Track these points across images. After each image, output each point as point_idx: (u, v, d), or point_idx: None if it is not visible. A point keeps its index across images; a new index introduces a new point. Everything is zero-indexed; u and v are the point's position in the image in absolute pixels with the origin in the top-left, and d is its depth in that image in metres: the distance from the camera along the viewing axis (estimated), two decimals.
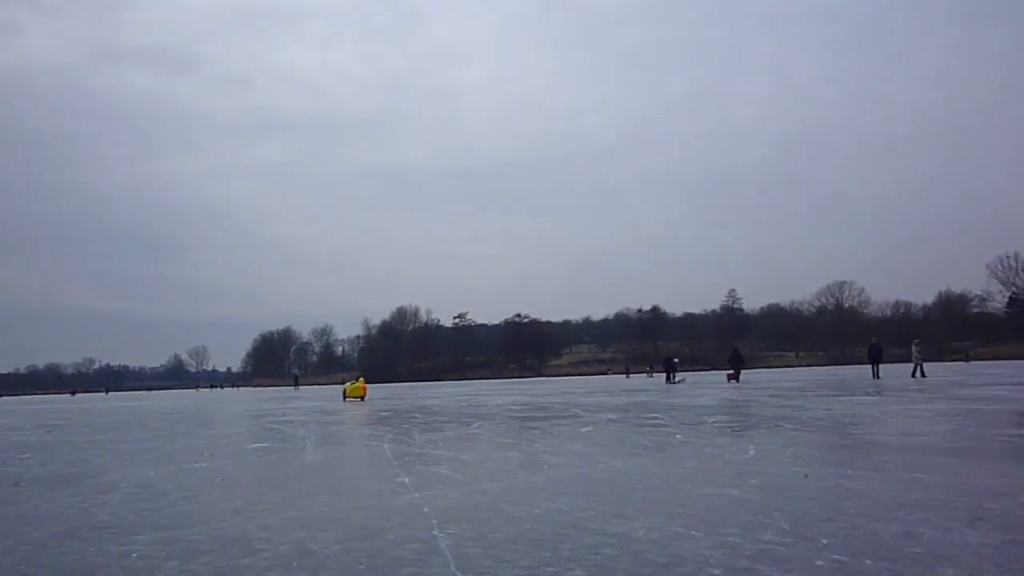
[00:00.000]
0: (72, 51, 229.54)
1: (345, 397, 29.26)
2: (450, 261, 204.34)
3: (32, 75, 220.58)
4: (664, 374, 40.63)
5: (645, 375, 74.45)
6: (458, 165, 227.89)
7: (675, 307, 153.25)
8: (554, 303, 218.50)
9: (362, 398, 28.86)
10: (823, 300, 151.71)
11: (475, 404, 21.62)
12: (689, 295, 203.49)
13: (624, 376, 74.43)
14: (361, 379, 31.16)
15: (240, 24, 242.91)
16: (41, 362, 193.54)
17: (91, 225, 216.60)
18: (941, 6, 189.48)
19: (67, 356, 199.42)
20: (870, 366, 34.12)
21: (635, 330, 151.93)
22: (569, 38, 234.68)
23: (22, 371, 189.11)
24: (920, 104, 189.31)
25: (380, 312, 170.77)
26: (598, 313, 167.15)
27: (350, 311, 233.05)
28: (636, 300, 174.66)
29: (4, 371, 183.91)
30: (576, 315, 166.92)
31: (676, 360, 41.69)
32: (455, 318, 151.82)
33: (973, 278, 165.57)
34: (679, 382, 37.73)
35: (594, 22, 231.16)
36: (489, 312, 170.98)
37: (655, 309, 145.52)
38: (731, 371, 35.90)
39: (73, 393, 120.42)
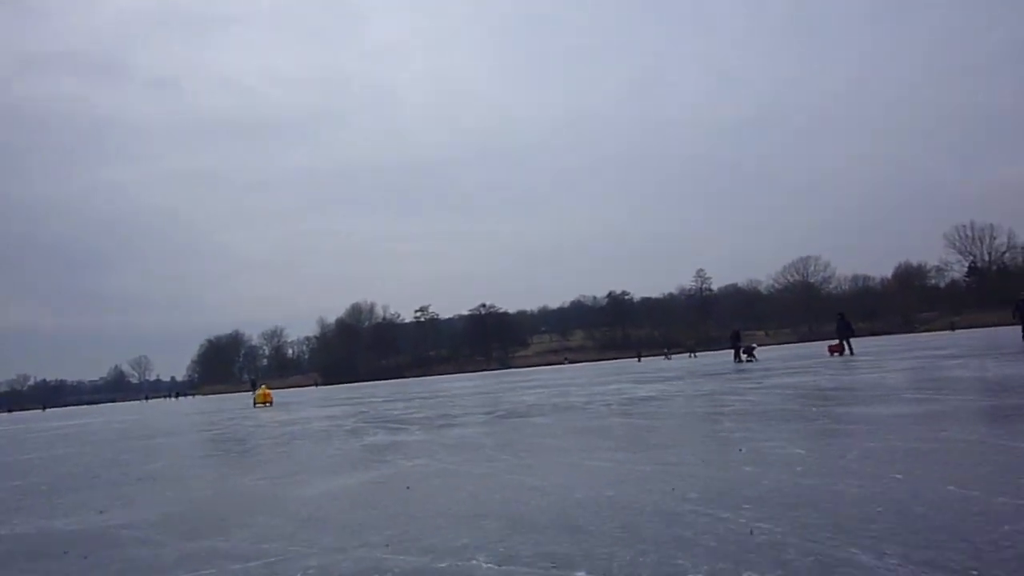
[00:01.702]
0: None
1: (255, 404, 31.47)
2: (395, 258, 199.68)
3: None
4: (732, 352, 34.68)
5: (662, 357, 69.95)
6: (398, 163, 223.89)
7: (629, 292, 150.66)
8: (504, 296, 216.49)
9: (268, 403, 30.99)
10: (789, 277, 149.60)
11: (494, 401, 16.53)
12: (640, 281, 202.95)
13: (636, 360, 69.76)
14: (263, 387, 33.89)
15: (167, 27, 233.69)
16: None
17: (20, 239, 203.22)
18: None
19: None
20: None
21: (600, 316, 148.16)
22: (504, 33, 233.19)
23: None
24: (858, 82, 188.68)
25: (329, 312, 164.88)
26: (552, 303, 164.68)
27: (298, 313, 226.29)
28: (589, 288, 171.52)
29: None
30: (530, 305, 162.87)
31: (737, 331, 35.72)
32: (416, 311, 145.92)
33: (928, 251, 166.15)
34: (749, 360, 32.78)
35: (529, 17, 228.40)
36: (441, 306, 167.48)
37: (623, 294, 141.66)
38: (835, 342, 30.81)
39: (10, 411, 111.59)
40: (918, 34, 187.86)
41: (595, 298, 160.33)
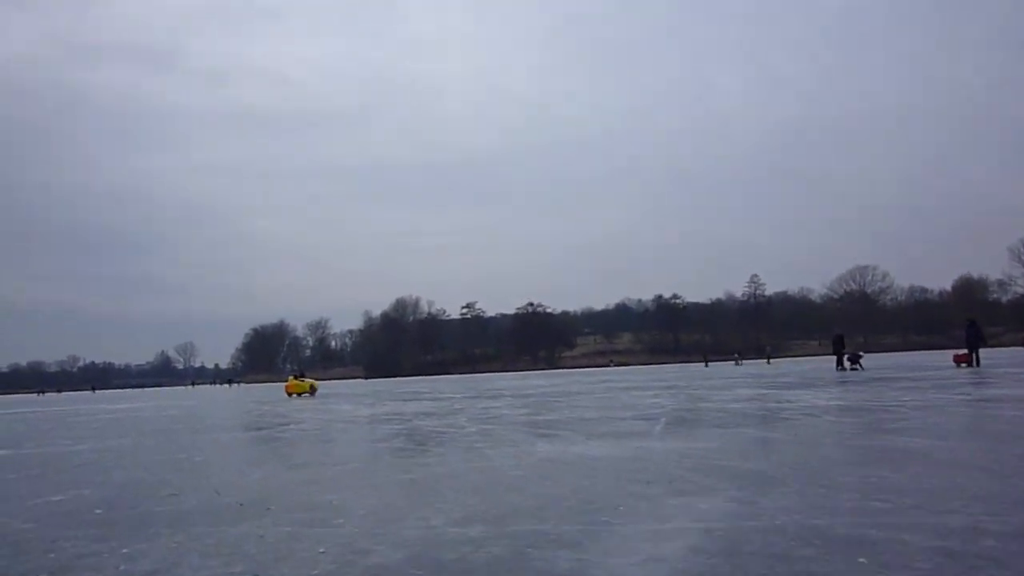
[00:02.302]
0: (51, 48, 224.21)
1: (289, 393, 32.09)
2: (435, 254, 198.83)
3: (12, 71, 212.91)
4: (835, 358, 31.22)
5: (733, 363, 66.34)
6: (437, 158, 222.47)
7: (680, 296, 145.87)
8: (545, 296, 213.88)
9: (301, 394, 31.72)
10: (846, 286, 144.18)
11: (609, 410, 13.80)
12: (684, 285, 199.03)
13: (703, 365, 66.46)
14: (291, 377, 35.15)
15: (217, 19, 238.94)
16: (24, 360, 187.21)
17: (74, 223, 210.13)
18: None
19: (51, 354, 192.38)
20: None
21: (648, 320, 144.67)
22: (548, 30, 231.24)
23: (4, 370, 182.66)
24: (923, 89, 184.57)
25: (373, 306, 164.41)
26: (595, 304, 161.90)
27: (341, 305, 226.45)
28: (633, 291, 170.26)
29: None
30: (572, 306, 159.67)
31: (841, 336, 32.12)
32: (463, 308, 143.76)
33: (990, 264, 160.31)
34: (855, 368, 29.57)
35: (574, 14, 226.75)
36: (483, 304, 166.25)
37: (674, 297, 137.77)
38: (963, 352, 27.70)
39: (40, 392, 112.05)
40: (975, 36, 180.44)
41: (640, 301, 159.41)
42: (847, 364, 30.42)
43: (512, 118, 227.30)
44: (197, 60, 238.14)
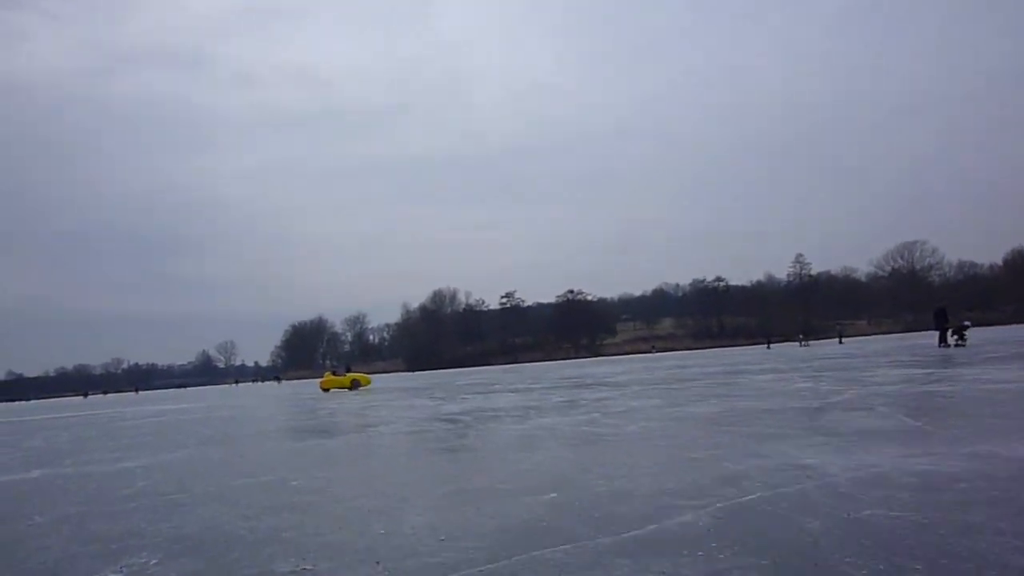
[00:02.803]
0: (84, 57, 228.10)
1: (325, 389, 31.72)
2: (469, 247, 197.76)
3: (48, 82, 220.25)
4: (938, 333, 28.07)
5: (799, 344, 62.84)
6: (468, 152, 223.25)
7: (723, 279, 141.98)
8: (580, 283, 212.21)
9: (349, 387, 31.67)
10: (893, 263, 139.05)
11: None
12: (722, 269, 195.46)
13: (766, 347, 63.32)
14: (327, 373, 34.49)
15: (246, 22, 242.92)
16: (70, 364, 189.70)
17: (114, 227, 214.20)
18: None
19: (95, 357, 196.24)
20: None
21: (690, 304, 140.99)
22: (574, 21, 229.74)
23: (51, 373, 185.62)
24: (960, 59, 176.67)
25: (408, 299, 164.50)
26: (631, 290, 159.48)
27: (378, 300, 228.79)
28: (671, 276, 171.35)
29: (34, 374, 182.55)
30: (608, 293, 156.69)
31: (944, 308, 29.00)
32: (502, 298, 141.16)
33: None
34: (960, 344, 26.69)
35: (598, 4, 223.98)
36: (521, 295, 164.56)
37: (717, 280, 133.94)
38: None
39: (85, 395, 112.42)
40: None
41: (678, 286, 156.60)
42: (951, 339, 27.59)
43: (542, 109, 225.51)
44: (230, 63, 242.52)
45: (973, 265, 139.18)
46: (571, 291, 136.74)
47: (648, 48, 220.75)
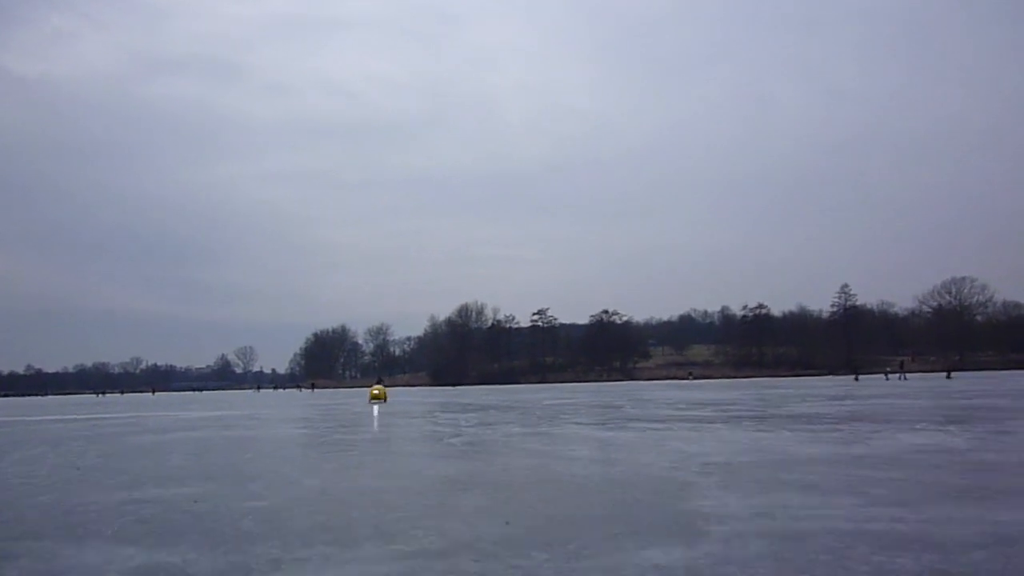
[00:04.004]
0: (123, 62, 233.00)
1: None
2: (490, 265, 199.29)
3: (86, 85, 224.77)
4: None
5: (897, 376, 56.49)
6: (496, 169, 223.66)
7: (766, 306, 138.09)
8: (604, 305, 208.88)
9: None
10: (939, 299, 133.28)
11: None
12: (744, 297, 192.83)
13: (854, 379, 57.73)
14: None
15: (280, 32, 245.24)
16: (89, 361, 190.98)
17: (141, 228, 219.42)
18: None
19: (115, 356, 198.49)
20: None
21: (727, 331, 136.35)
22: (604, 42, 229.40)
23: (71, 370, 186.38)
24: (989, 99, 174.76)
25: (433, 312, 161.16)
26: (657, 315, 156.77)
27: (398, 314, 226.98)
28: (699, 302, 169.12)
29: (53, 370, 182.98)
30: (634, 316, 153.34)
31: None
32: (534, 315, 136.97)
33: None
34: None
35: (628, 26, 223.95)
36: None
37: (759, 307, 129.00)
38: None
39: (102, 393, 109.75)
40: None
41: (707, 312, 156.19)
42: None
43: (570, 129, 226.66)
44: (263, 72, 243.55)
45: (1018, 305, 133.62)
46: (605, 311, 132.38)
47: (676, 72, 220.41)
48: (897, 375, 57.03)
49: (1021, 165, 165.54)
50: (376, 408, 26.23)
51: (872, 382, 47.46)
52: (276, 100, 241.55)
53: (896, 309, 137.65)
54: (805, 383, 53.06)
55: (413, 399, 38.44)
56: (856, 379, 57.64)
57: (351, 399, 39.70)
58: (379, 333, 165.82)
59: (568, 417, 17.17)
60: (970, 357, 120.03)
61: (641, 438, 11.13)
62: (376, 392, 33.08)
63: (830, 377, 72.65)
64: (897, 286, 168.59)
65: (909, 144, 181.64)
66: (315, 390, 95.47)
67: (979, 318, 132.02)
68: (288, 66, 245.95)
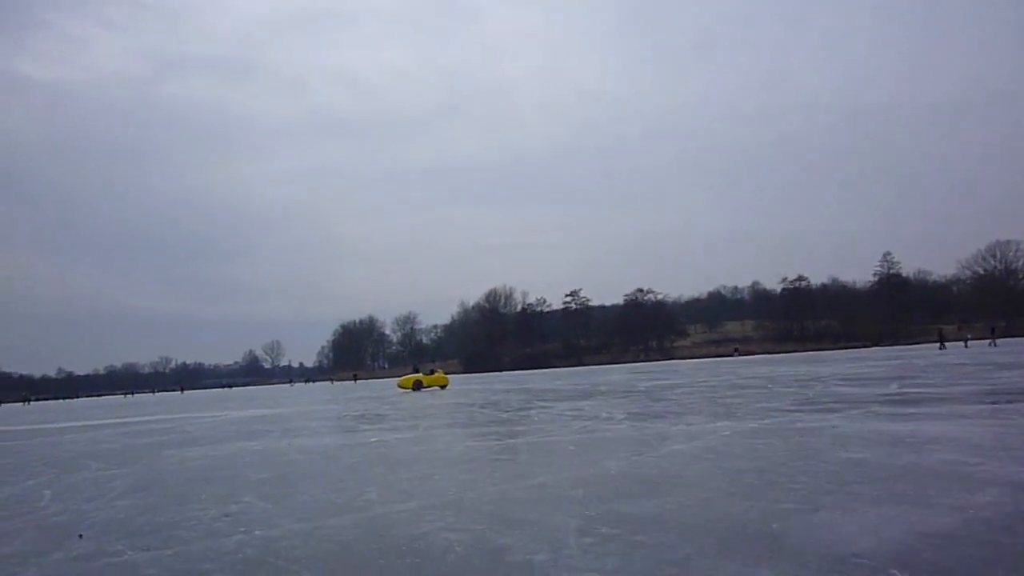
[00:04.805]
0: (139, 64, 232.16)
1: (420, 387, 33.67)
2: (511, 252, 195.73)
3: (103, 88, 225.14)
4: None
5: (988, 344, 53.14)
6: (512, 157, 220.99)
7: (805, 278, 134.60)
8: (623, 287, 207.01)
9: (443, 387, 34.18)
10: (983, 264, 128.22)
11: None
12: (770, 273, 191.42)
13: (939, 347, 53.69)
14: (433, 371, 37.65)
15: (294, 28, 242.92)
16: (119, 362, 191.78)
17: (163, 229, 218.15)
18: None
19: (144, 356, 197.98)
20: None
21: (762, 306, 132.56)
22: (614, 25, 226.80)
23: (101, 372, 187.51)
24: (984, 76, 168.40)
25: (456, 303, 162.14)
26: (684, 293, 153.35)
27: (422, 303, 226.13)
28: (726, 278, 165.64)
29: (83, 372, 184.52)
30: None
31: None
32: (567, 296, 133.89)
33: None
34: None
35: (637, 8, 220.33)
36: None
37: (799, 279, 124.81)
38: None
39: (131, 394, 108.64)
40: None
41: (736, 288, 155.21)
42: None
43: (583, 113, 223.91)
44: (279, 69, 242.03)
45: None
46: (640, 290, 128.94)
47: (693, 52, 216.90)
48: (988, 342, 53.89)
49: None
50: (439, 398, 23.33)
51: (963, 351, 43.59)
52: (291, 97, 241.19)
53: (934, 277, 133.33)
54: (895, 353, 49.65)
55: (473, 387, 35.56)
56: (942, 347, 53.42)
57: (397, 390, 36.84)
58: (407, 322, 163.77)
59: (756, 402, 14.17)
60: (1017, 322, 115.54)
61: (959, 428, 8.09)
62: (432, 378, 34.72)
63: (896, 347, 67.79)
64: (925, 255, 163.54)
65: (925, 112, 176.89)
66: (357, 381, 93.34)
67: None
68: (302, 62, 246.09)
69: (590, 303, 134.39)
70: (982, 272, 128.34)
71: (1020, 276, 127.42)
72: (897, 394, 13.56)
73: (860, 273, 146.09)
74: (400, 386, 35.24)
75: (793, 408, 11.95)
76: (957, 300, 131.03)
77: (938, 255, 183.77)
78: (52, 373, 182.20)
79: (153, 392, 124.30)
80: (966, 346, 52.86)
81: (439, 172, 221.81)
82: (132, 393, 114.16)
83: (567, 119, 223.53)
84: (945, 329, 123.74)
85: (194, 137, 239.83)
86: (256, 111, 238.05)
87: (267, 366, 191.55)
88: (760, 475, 5.88)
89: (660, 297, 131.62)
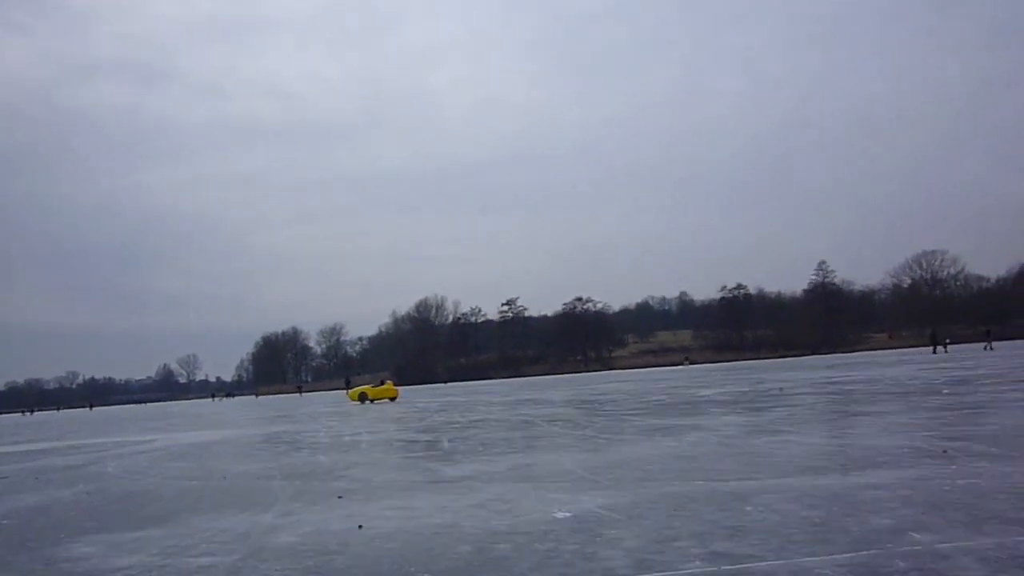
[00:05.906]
0: (46, 68, 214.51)
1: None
2: (440, 263, 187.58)
3: (7, 92, 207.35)
4: None
5: (983, 348, 50.40)
6: (437, 167, 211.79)
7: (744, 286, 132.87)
8: (551, 298, 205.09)
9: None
10: (911, 273, 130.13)
11: None
12: (694, 284, 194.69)
13: (932, 351, 50.83)
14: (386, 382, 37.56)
15: (211, 33, 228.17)
16: (21, 378, 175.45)
17: (71, 238, 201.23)
18: None
19: (49, 371, 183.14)
20: None
21: (712, 314, 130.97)
22: (541, 38, 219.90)
23: (1, 388, 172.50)
24: (903, 91, 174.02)
25: (381, 315, 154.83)
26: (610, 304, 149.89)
27: (345, 315, 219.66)
28: (650, 289, 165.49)
29: None
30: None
31: None
32: (503, 305, 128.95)
33: None
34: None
35: (565, 22, 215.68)
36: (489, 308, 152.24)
37: (738, 287, 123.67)
38: None
39: (30, 412, 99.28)
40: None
41: (664, 298, 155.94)
42: None
43: (511, 124, 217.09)
44: (195, 74, 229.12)
45: (979, 278, 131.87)
46: (579, 299, 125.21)
47: (614, 67, 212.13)
48: (983, 345, 52.03)
49: (948, 142, 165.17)
50: (388, 412, 18.65)
51: (960, 354, 41.19)
52: (208, 103, 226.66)
53: (858, 287, 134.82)
54: (877, 357, 47.10)
55: (424, 399, 30.76)
56: (934, 351, 51.02)
57: (343, 403, 31.69)
58: (332, 333, 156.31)
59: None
60: (945, 330, 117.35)
61: None
62: (381, 389, 34.59)
63: (848, 354, 65.72)
64: (858, 266, 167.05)
65: (833, 127, 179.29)
66: (302, 394, 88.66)
67: (955, 292, 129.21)
68: (220, 67, 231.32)
69: (527, 313, 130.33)
70: (910, 281, 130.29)
71: (946, 285, 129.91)
72: None
73: (787, 284, 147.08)
74: (350, 398, 35.08)
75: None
76: (881, 309, 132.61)
77: (871, 265, 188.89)
78: None
79: (58, 409, 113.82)
80: (946, 350, 50.52)
81: (363, 180, 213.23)
82: (32, 411, 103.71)
83: (494, 129, 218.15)
84: (876, 337, 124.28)
85: (105, 143, 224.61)
86: (171, 117, 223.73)
87: (183, 380, 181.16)
88: None
89: (600, 306, 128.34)
